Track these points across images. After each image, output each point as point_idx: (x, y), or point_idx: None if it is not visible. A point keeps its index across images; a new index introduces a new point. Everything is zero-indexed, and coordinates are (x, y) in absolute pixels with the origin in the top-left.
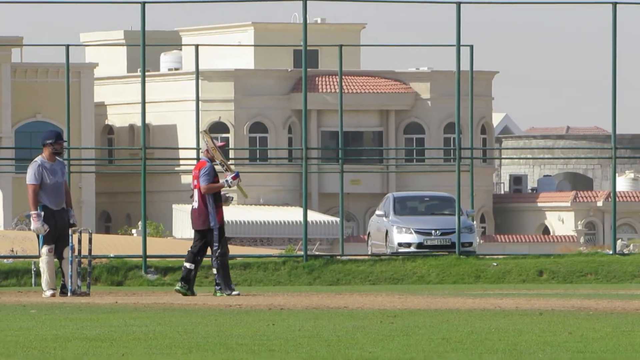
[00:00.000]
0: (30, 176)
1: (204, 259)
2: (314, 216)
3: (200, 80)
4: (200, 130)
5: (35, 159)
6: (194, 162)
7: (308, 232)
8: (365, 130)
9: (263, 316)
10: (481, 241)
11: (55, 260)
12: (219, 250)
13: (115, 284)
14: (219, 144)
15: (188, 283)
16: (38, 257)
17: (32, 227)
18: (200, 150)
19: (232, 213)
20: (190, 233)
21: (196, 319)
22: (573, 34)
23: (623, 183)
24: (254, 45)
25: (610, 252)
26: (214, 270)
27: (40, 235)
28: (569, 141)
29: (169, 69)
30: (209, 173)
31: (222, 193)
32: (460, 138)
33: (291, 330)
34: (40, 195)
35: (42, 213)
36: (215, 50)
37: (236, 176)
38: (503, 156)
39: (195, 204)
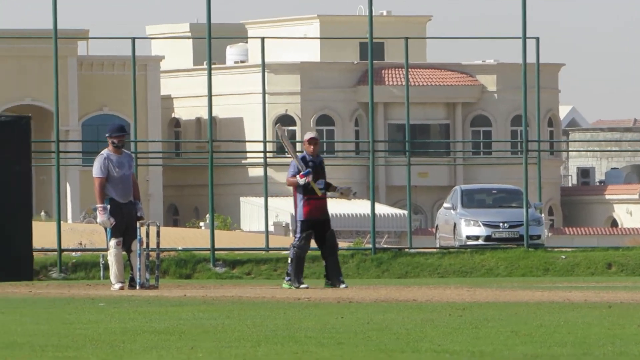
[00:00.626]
0: (96, 169)
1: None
2: (381, 209)
3: (266, 73)
4: (274, 125)
5: (102, 152)
6: (261, 154)
7: (376, 225)
8: (432, 123)
9: (332, 309)
10: (549, 234)
11: (124, 253)
12: (298, 243)
13: (183, 277)
14: (310, 136)
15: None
16: (106, 250)
17: (98, 221)
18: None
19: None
20: (257, 226)
21: (265, 312)
22: None
23: None
24: (320, 38)
25: None
26: (289, 260)
27: (107, 228)
28: (636, 134)
29: (235, 62)
30: (293, 166)
31: (338, 186)
32: (527, 131)
33: (360, 323)
34: (106, 188)
35: (108, 206)
36: (281, 43)
37: (304, 175)
38: (570, 149)
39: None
